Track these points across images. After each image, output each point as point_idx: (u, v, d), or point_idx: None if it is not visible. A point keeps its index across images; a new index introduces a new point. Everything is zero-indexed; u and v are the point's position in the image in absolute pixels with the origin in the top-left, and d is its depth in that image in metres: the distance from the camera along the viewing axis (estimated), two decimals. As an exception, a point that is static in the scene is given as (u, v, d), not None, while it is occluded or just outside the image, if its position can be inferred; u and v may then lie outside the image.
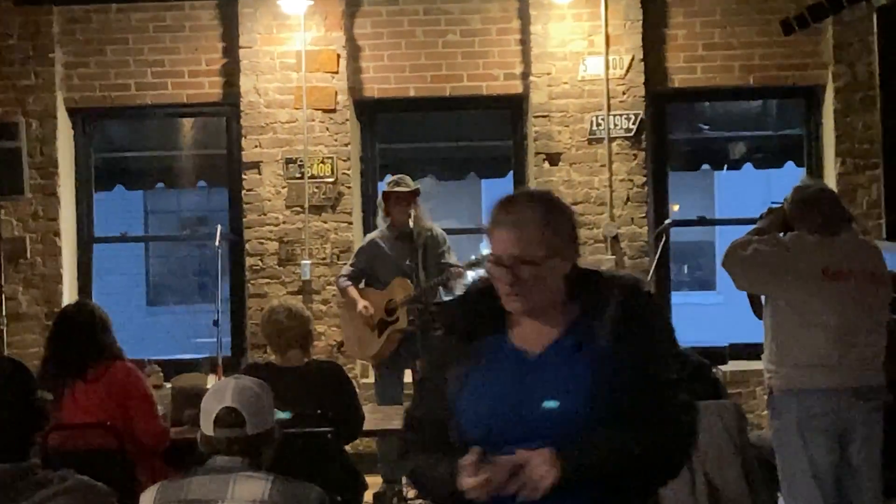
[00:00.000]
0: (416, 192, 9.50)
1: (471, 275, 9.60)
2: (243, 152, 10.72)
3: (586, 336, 3.32)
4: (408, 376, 9.54)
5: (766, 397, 6.77)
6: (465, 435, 3.34)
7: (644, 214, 10.60)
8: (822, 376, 6.28)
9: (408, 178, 9.57)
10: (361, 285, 9.71)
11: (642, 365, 3.28)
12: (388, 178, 9.79)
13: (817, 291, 6.34)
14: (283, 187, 10.66)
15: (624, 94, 10.55)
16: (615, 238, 10.55)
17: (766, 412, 9.62)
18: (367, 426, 7.22)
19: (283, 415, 4.31)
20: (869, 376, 6.32)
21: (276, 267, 10.66)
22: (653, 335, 3.35)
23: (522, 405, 3.27)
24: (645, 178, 10.61)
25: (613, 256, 10.53)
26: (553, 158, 10.58)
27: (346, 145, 10.67)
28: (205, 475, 4.09)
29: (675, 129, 11.35)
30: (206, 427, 4.21)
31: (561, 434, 3.19)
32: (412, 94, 10.80)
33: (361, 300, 9.53)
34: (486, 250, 8.88)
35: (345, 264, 10.17)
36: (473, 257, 9.59)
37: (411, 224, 9.40)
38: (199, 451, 4.26)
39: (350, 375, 7.70)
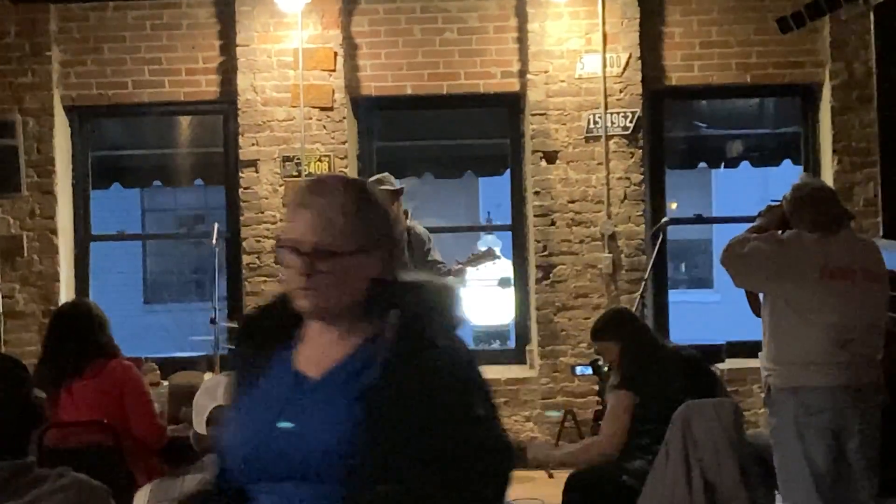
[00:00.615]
0: (400, 192, 9.46)
1: (473, 271, 9.60)
2: (240, 150, 10.71)
3: (368, 360, 2.84)
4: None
5: (763, 395, 6.79)
6: (224, 470, 2.95)
7: (641, 212, 10.60)
8: (820, 374, 6.30)
9: (391, 177, 9.55)
10: None
11: (425, 402, 2.76)
12: (369, 179, 9.72)
13: (816, 289, 6.35)
14: (281, 185, 10.66)
15: (621, 91, 10.55)
16: (612, 236, 10.55)
17: (763, 410, 9.67)
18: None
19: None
20: (867, 374, 6.33)
21: (273, 265, 10.65)
22: (440, 363, 2.81)
23: (289, 438, 2.82)
24: (642, 176, 10.61)
25: (610, 254, 10.53)
26: (550, 156, 10.58)
27: (344, 143, 10.67)
28: (198, 474, 4.09)
29: (672, 127, 11.35)
30: (199, 425, 4.20)
31: (331, 476, 2.77)
32: (409, 92, 10.80)
33: None
34: (485, 245, 8.80)
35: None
36: (473, 253, 9.58)
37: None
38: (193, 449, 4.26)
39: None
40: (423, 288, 2.94)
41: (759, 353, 6.80)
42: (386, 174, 9.63)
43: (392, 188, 9.43)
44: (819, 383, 6.32)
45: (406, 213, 9.79)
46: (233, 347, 3.11)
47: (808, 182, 7.00)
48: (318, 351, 2.92)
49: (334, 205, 2.87)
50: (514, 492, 8.00)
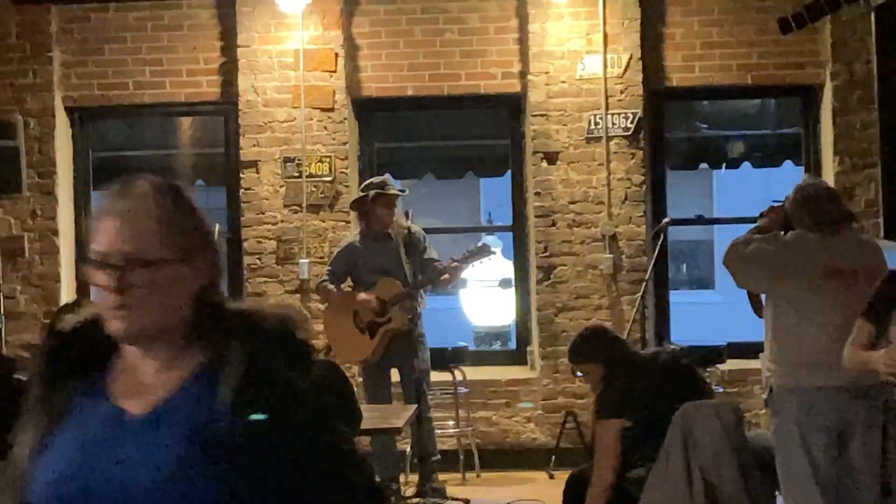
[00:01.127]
0: (399, 194, 9.52)
1: (469, 268, 9.60)
2: (241, 151, 10.72)
3: (203, 396, 2.43)
4: (395, 375, 9.54)
5: (764, 396, 6.79)
6: None
7: (642, 213, 10.60)
8: (822, 374, 6.30)
9: (392, 180, 9.59)
10: (346, 288, 9.68)
11: (276, 443, 2.41)
12: (369, 181, 9.69)
13: (818, 290, 6.35)
14: (281, 186, 10.67)
15: (622, 92, 10.55)
16: (613, 237, 10.55)
17: (764, 410, 9.66)
18: (365, 425, 7.21)
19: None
20: (869, 375, 6.33)
21: (274, 266, 10.66)
22: (297, 398, 2.45)
23: (106, 485, 2.39)
24: (643, 177, 10.61)
25: (611, 256, 10.53)
26: (551, 157, 10.59)
27: (344, 144, 10.67)
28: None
29: (673, 128, 11.36)
30: None
31: None
32: (410, 92, 10.81)
33: (360, 293, 9.48)
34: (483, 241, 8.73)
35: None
36: (468, 249, 9.56)
37: (403, 223, 9.38)
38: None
39: (348, 374, 7.70)
40: (264, 317, 2.53)
41: (761, 354, 6.81)
42: (387, 176, 9.65)
43: (395, 192, 9.45)
44: (821, 384, 6.32)
45: (407, 213, 9.81)
46: (35, 374, 2.57)
47: (810, 182, 7.01)
48: (139, 383, 2.50)
49: (145, 210, 2.53)
50: (515, 493, 7.91)
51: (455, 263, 9.51)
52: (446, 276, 9.46)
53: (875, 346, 5.71)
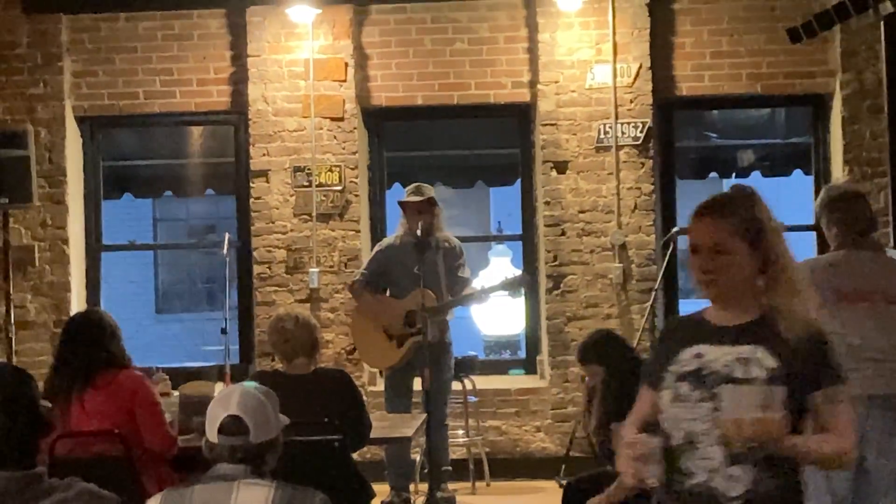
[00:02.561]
0: (429, 202, 9.44)
1: (495, 297, 9.61)
2: (251, 160, 10.74)
3: None
4: (417, 384, 9.54)
5: None
6: None
7: (652, 222, 10.59)
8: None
9: (424, 187, 9.51)
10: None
11: None
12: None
13: (834, 314, 6.34)
14: (291, 195, 10.68)
15: (631, 102, 10.55)
16: (623, 246, 10.55)
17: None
18: (374, 434, 7.22)
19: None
20: (888, 385, 6.32)
21: (284, 275, 10.67)
22: None
23: None
24: (652, 187, 10.60)
25: (621, 265, 10.53)
26: (561, 166, 10.59)
27: (354, 153, 10.68)
28: (208, 483, 4.10)
29: (682, 138, 11.36)
30: (211, 434, 4.22)
31: None
32: (420, 102, 10.82)
33: (393, 302, 9.46)
34: (518, 270, 8.69)
35: (352, 271, 10.19)
36: (506, 278, 9.56)
37: (418, 232, 9.34)
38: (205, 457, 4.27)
39: (357, 383, 7.71)
40: None
41: None
42: (419, 184, 9.54)
43: (417, 199, 9.40)
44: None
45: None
46: None
47: (840, 185, 7.03)
48: None
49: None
50: (524, 502, 7.89)
51: (487, 290, 9.54)
52: (475, 300, 9.56)
53: None
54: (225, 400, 4.25)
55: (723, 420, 3.68)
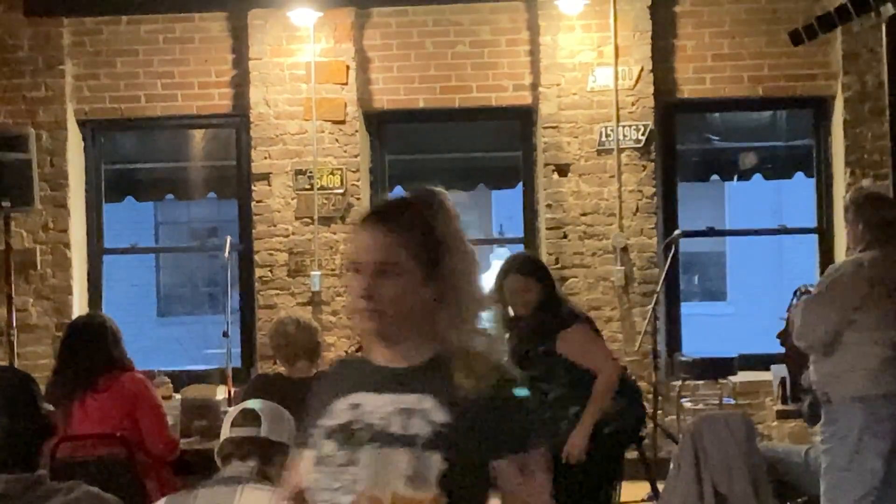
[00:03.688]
0: None
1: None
2: (253, 163, 10.74)
3: None
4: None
5: (805, 408, 6.85)
6: None
7: (653, 225, 10.59)
8: (886, 382, 6.35)
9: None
10: None
11: None
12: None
13: (871, 312, 6.38)
14: (293, 198, 10.68)
15: (633, 104, 10.55)
16: (624, 249, 10.55)
17: (775, 423, 9.67)
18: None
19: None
20: None
21: (286, 278, 10.67)
22: None
23: None
24: (654, 189, 10.60)
25: (623, 267, 10.53)
26: (562, 169, 10.59)
27: (356, 156, 10.69)
28: (212, 486, 4.09)
29: (684, 140, 11.35)
30: (224, 430, 4.23)
31: None
32: (421, 105, 10.82)
33: None
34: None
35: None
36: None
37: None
38: (214, 460, 4.27)
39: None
40: None
41: (806, 370, 6.83)
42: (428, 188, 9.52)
43: None
44: (885, 391, 6.37)
45: None
46: None
47: (867, 187, 7.08)
48: None
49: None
50: None
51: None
52: None
53: None
54: (244, 402, 4.28)
55: (359, 495, 2.88)
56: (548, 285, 7.13)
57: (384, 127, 11.11)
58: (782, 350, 8.33)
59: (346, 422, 2.99)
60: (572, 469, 6.75)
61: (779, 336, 8.03)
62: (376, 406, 2.97)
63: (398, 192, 9.78)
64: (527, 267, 7.18)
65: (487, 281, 9.67)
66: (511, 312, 7.12)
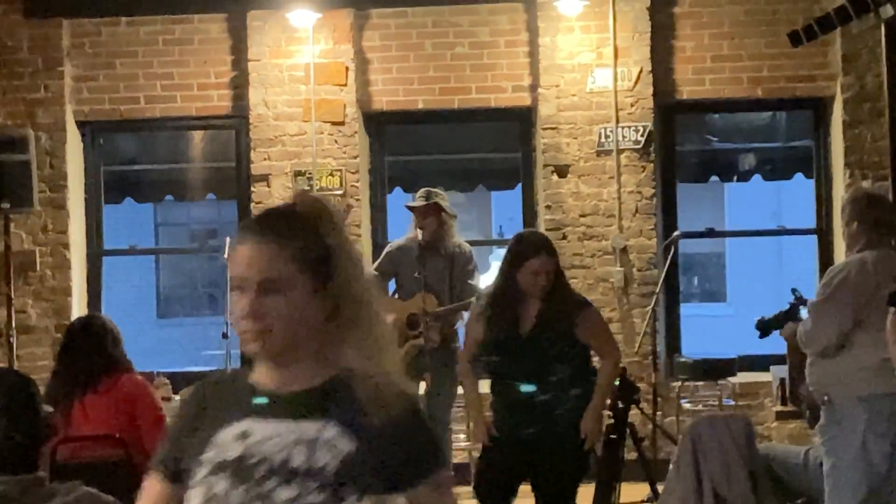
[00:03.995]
0: (435, 207, 9.39)
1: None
2: (252, 165, 10.74)
3: None
4: (420, 388, 9.53)
5: (806, 411, 6.85)
6: None
7: (653, 226, 10.60)
8: (886, 380, 6.36)
9: (432, 192, 9.44)
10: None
11: None
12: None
13: (875, 311, 6.39)
14: (292, 200, 10.66)
15: (632, 105, 10.55)
16: (624, 250, 10.55)
17: (774, 424, 9.67)
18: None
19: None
20: None
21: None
22: None
23: None
24: (654, 190, 10.60)
25: (622, 268, 10.53)
26: (561, 170, 10.59)
27: (355, 158, 10.69)
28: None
29: (683, 141, 11.35)
30: None
31: None
32: (421, 106, 10.82)
33: (395, 303, 9.48)
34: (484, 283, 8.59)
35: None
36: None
37: (420, 237, 9.32)
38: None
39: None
40: None
41: (807, 371, 6.83)
42: (427, 189, 9.47)
43: (414, 204, 9.40)
44: (889, 390, 6.39)
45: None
46: None
47: (866, 188, 7.11)
48: None
49: None
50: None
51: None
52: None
53: None
54: None
55: None
56: (559, 264, 7.15)
57: (383, 128, 11.12)
58: (782, 350, 8.35)
59: (238, 455, 2.67)
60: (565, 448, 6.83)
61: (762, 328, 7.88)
62: (271, 436, 2.67)
63: (398, 193, 9.82)
64: (550, 246, 7.13)
65: (486, 281, 9.67)
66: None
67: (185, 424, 2.82)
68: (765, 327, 7.26)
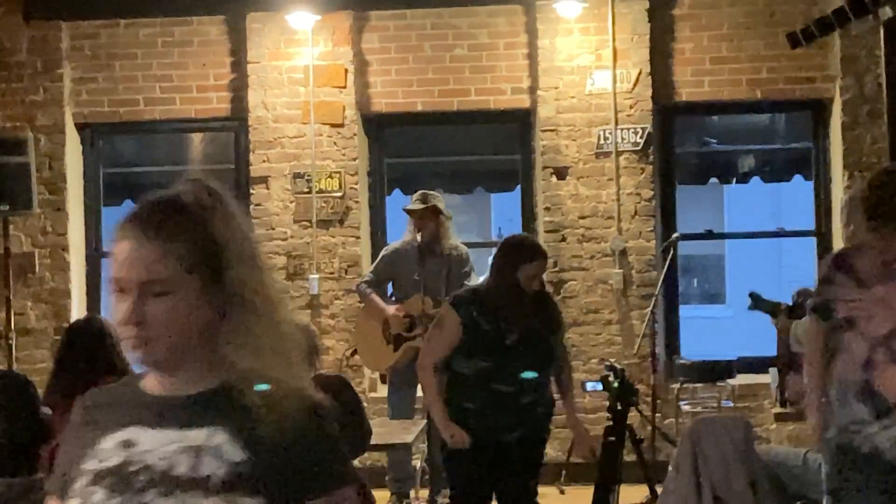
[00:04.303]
0: (432, 210, 9.41)
1: None
2: (251, 167, 10.74)
3: None
4: (419, 391, 9.53)
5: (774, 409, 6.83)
6: None
7: (652, 228, 10.59)
8: None
9: (429, 195, 9.47)
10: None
11: None
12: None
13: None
14: (291, 202, 10.68)
15: (631, 107, 10.55)
16: (623, 252, 10.55)
17: (774, 425, 9.66)
18: (375, 440, 7.21)
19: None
20: None
21: (285, 281, 10.65)
22: None
23: None
24: (652, 192, 10.60)
25: (621, 270, 10.53)
26: (561, 172, 10.59)
27: (354, 160, 10.69)
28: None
29: (682, 143, 11.36)
30: None
31: None
32: (420, 108, 10.82)
33: (391, 306, 9.51)
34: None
35: (353, 278, 10.20)
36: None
37: (418, 239, 9.33)
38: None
39: (357, 390, 7.70)
40: None
41: (771, 369, 6.84)
42: (423, 192, 9.52)
43: (410, 208, 9.43)
44: None
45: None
46: None
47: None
48: None
49: None
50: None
51: None
52: None
53: None
54: None
55: None
56: None
57: (382, 130, 11.12)
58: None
59: (119, 464, 2.44)
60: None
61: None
62: (155, 444, 2.44)
63: (397, 195, 9.81)
64: (544, 250, 7.29)
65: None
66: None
67: (71, 436, 2.59)
68: (756, 303, 7.30)
